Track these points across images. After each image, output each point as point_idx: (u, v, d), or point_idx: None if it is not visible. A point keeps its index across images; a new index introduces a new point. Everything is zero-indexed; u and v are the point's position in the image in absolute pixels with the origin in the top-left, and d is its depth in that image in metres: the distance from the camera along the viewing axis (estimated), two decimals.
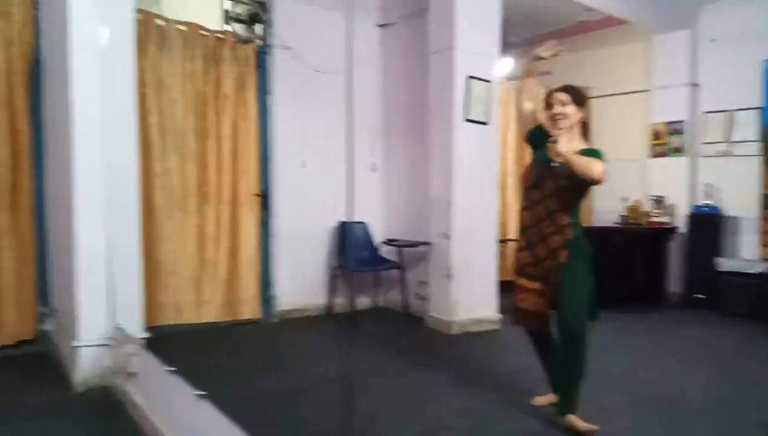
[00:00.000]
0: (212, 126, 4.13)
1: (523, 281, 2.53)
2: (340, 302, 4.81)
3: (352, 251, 4.81)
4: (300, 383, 3.09)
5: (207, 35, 4.05)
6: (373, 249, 4.97)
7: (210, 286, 4.21)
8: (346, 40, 4.41)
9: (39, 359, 3.38)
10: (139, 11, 3.43)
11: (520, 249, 2.56)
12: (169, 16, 3.84)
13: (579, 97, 2.46)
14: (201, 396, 1.95)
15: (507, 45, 4.89)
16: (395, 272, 4.81)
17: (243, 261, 4.34)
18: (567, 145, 2.32)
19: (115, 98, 2.95)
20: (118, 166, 2.99)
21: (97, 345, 2.94)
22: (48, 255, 3.58)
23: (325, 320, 4.63)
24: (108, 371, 2.92)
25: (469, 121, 4.18)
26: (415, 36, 4.59)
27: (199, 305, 4.17)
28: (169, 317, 3.98)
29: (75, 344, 2.91)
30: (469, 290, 4.25)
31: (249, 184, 4.34)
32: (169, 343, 3.42)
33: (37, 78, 3.47)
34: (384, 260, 4.90)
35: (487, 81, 4.24)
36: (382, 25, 5.01)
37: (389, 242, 4.90)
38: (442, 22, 4.18)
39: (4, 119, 3.36)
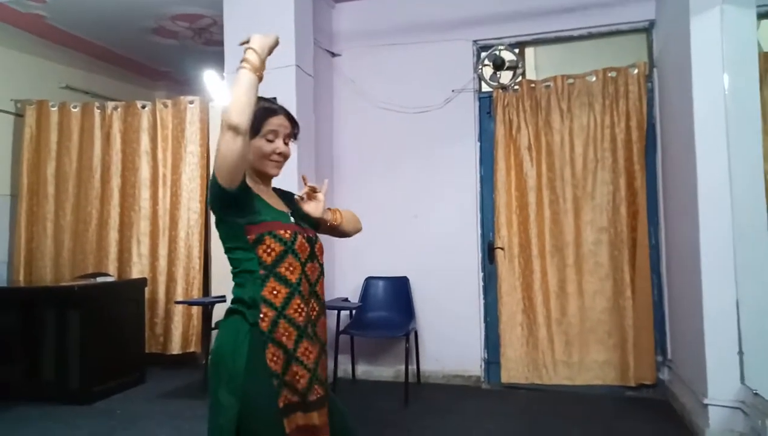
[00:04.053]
0: None
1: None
2: None
3: None
4: None
5: None
6: None
7: None
8: None
9: (658, 405, 3.56)
10: None
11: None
12: None
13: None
14: None
15: None
16: None
17: None
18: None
19: (739, 147, 2.86)
20: (743, 217, 2.86)
21: (729, 407, 2.83)
22: (664, 306, 3.77)
23: None
24: (743, 434, 2.76)
25: None
26: None
27: None
28: None
29: (705, 401, 2.89)
30: None
31: None
32: None
33: (648, 143, 3.81)
34: None
35: None
36: None
37: None
38: None
39: (623, 183, 3.83)
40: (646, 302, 3.74)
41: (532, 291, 3.96)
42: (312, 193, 1.67)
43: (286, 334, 1.46)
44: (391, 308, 4.11)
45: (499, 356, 4.00)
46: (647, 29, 3.92)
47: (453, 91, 4.19)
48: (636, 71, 3.84)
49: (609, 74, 3.89)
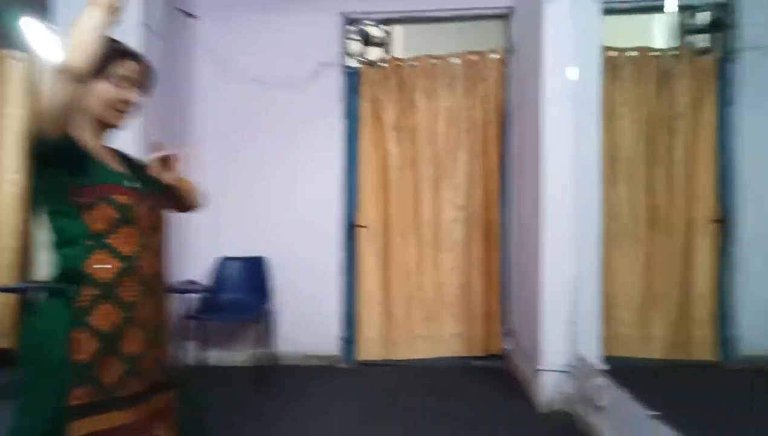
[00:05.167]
0: (662, 150, 3.87)
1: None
2: None
3: None
4: None
5: (658, 56, 3.85)
6: None
7: (658, 321, 3.91)
8: None
9: (503, 373, 3.80)
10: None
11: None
12: (619, 44, 3.82)
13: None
14: None
15: None
16: None
17: (696, 295, 3.88)
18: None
19: (582, 134, 3.09)
20: (582, 198, 3.10)
21: (559, 371, 3.08)
22: (511, 281, 4.02)
23: None
24: (571, 398, 3.03)
25: None
26: None
27: (645, 340, 3.92)
28: (615, 350, 3.85)
29: (538, 367, 3.13)
30: None
31: (704, 209, 3.87)
32: (619, 377, 3.25)
33: (505, 126, 3.99)
34: None
35: None
36: None
37: None
38: None
39: (480, 164, 3.99)
40: (495, 277, 3.98)
41: (391, 269, 4.01)
42: (167, 161, 1.43)
43: (107, 316, 1.25)
44: (246, 289, 3.89)
45: (357, 335, 4.01)
46: (507, 15, 4.06)
47: (319, 64, 4.04)
48: (495, 56, 3.99)
49: (471, 57, 4.00)
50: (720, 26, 3.82)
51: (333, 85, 4.07)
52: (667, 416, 2.15)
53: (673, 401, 3.17)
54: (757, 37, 3.73)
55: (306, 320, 4.00)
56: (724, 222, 3.85)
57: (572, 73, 3.10)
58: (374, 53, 4.05)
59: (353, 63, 4.09)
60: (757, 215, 3.80)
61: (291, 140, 4.07)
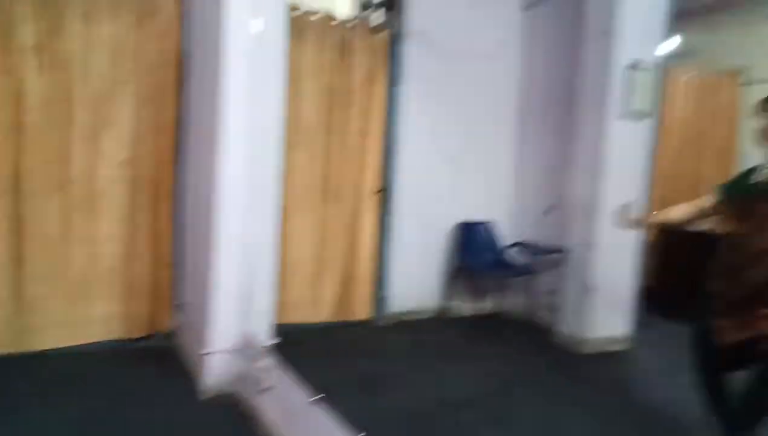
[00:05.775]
0: (338, 120, 3.98)
1: None
2: (456, 306, 4.63)
3: (472, 252, 4.51)
4: (424, 404, 2.93)
5: (338, 25, 3.87)
6: (497, 252, 4.64)
7: (327, 285, 4.13)
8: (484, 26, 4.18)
9: (168, 354, 3.37)
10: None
11: None
12: (304, 6, 3.69)
13: None
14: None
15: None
16: (521, 278, 4.53)
17: (360, 260, 4.23)
18: None
19: (263, 94, 2.85)
20: (260, 163, 2.89)
21: (228, 351, 2.87)
22: (184, 252, 3.60)
23: (439, 324, 4.44)
24: (237, 380, 2.85)
25: (628, 114, 3.82)
26: (563, 20, 4.26)
27: (315, 304, 4.10)
28: (288, 316, 3.87)
29: (205, 346, 2.86)
30: (608, 305, 3.93)
31: (371, 181, 4.19)
32: (289, 345, 3.22)
33: (184, 72, 3.43)
34: (509, 265, 4.59)
35: (651, 69, 3.85)
36: (527, 8, 4.61)
37: (518, 245, 4.59)
38: (601, 2, 3.83)
39: (152, 113, 3.37)
40: (165, 247, 3.49)
41: (23, 240, 3.09)
42: None
43: None
44: None
45: None
46: None
47: None
48: None
49: None
50: (393, 6, 4.06)
51: None
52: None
53: (332, 365, 3.37)
54: (420, 24, 4.11)
55: None
56: (384, 193, 4.22)
57: (256, 25, 2.80)
58: None
59: None
60: (408, 187, 4.29)
61: None
